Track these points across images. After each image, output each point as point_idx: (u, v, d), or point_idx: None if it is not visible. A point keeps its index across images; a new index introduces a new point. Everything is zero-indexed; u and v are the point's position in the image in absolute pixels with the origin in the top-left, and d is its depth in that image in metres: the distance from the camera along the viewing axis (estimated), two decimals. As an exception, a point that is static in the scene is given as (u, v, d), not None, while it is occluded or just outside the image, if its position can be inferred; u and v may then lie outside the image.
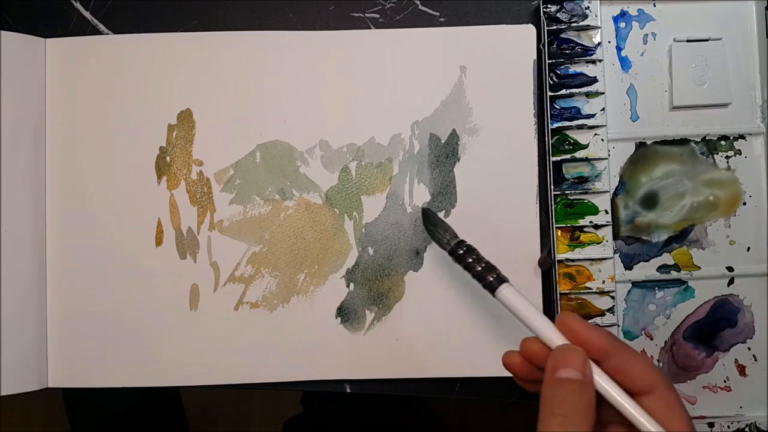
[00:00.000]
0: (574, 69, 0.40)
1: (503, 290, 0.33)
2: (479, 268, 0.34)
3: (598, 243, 0.40)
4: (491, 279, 0.33)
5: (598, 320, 0.40)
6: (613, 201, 0.41)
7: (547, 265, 0.41)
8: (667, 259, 0.41)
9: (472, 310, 0.41)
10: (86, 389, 0.41)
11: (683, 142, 0.41)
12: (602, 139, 0.40)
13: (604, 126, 0.40)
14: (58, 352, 0.41)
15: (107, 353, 0.41)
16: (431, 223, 0.38)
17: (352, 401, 0.71)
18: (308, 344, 0.41)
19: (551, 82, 0.40)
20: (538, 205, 0.41)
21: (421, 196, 0.41)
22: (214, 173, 0.42)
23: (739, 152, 0.41)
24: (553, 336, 0.29)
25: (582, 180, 0.40)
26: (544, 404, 0.25)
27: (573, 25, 0.40)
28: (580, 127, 0.40)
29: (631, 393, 0.27)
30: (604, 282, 0.40)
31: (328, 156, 0.42)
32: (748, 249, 0.41)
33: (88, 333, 0.41)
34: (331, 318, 0.41)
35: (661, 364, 0.41)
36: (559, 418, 0.25)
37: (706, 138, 0.41)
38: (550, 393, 0.26)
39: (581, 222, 0.40)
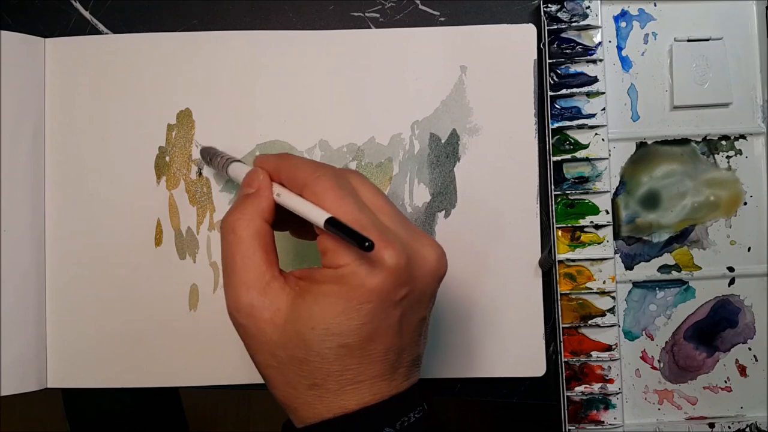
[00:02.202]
0: (574, 69, 0.40)
1: (233, 165, 0.36)
2: (223, 158, 0.37)
3: (599, 243, 0.40)
4: (226, 160, 0.37)
5: (598, 320, 0.40)
6: (613, 201, 0.41)
7: (548, 265, 0.40)
8: (667, 259, 0.41)
9: (473, 310, 0.41)
10: (85, 390, 0.41)
11: (684, 141, 0.41)
12: (603, 139, 0.40)
13: (605, 126, 0.40)
14: (57, 352, 0.41)
15: (106, 354, 0.41)
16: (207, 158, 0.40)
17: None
18: (308, 344, 0.41)
19: (552, 82, 0.40)
20: (538, 205, 0.41)
21: (421, 196, 0.41)
22: (214, 173, 0.42)
23: (739, 152, 0.41)
24: (240, 173, 0.34)
25: (582, 180, 0.40)
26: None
27: (573, 24, 0.40)
28: (580, 126, 0.40)
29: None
30: (604, 282, 0.40)
31: (328, 156, 0.41)
32: (749, 249, 0.41)
33: (87, 333, 0.41)
34: (331, 318, 0.41)
35: (662, 365, 0.41)
36: (237, 213, 0.30)
37: (707, 138, 0.41)
38: (237, 203, 0.31)
39: (582, 222, 0.40)
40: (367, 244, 0.26)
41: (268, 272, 0.29)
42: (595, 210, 0.40)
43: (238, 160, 0.37)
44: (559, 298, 0.40)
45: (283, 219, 0.32)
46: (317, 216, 0.28)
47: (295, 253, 0.41)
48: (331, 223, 0.27)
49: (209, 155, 0.39)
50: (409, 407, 0.30)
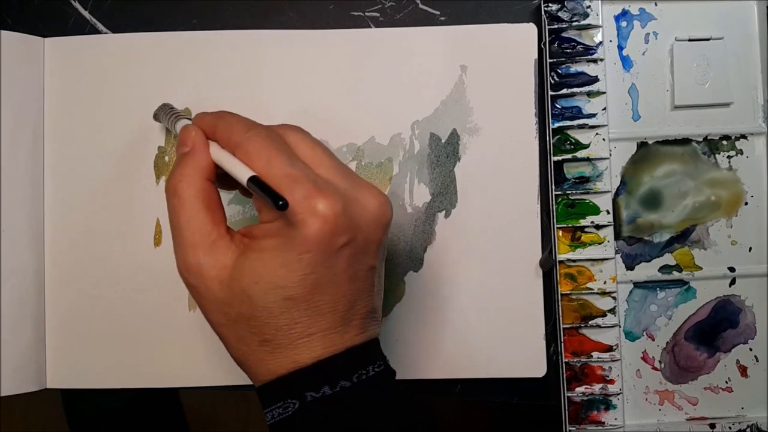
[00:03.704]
0: (575, 68, 0.40)
1: (179, 122, 0.35)
2: (174, 114, 0.37)
3: (600, 243, 0.40)
4: (174, 116, 0.36)
5: (599, 321, 0.40)
6: (614, 201, 0.41)
7: (548, 266, 0.40)
8: (668, 259, 0.41)
9: (473, 310, 0.41)
10: (85, 390, 0.41)
11: (685, 141, 0.41)
12: (603, 139, 0.40)
13: (606, 125, 0.40)
14: (56, 352, 0.41)
15: (106, 354, 0.41)
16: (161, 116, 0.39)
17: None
18: (308, 345, 0.41)
19: (552, 82, 0.40)
20: (539, 205, 0.41)
21: (421, 196, 0.41)
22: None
23: (740, 152, 0.41)
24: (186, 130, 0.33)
25: (583, 180, 0.40)
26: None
27: (574, 24, 0.40)
28: (581, 126, 0.40)
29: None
30: (605, 282, 0.40)
31: (328, 156, 0.41)
32: (750, 249, 0.41)
33: (86, 333, 0.41)
34: (331, 318, 0.41)
35: (662, 365, 0.41)
36: (177, 175, 0.30)
37: (708, 138, 0.41)
38: (175, 164, 0.31)
39: (582, 222, 0.40)
40: (281, 203, 0.26)
41: (213, 231, 0.30)
42: (595, 210, 0.40)
43: (188, 119, 0.36)
44: (559, 298, 0.40)
45: (230, 178, 0.32)
46: (241, 174, 0.28)
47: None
48: (253, 181, 0.28)
49: (162, 115, 0.38)
50: (366, 361, 0.30)
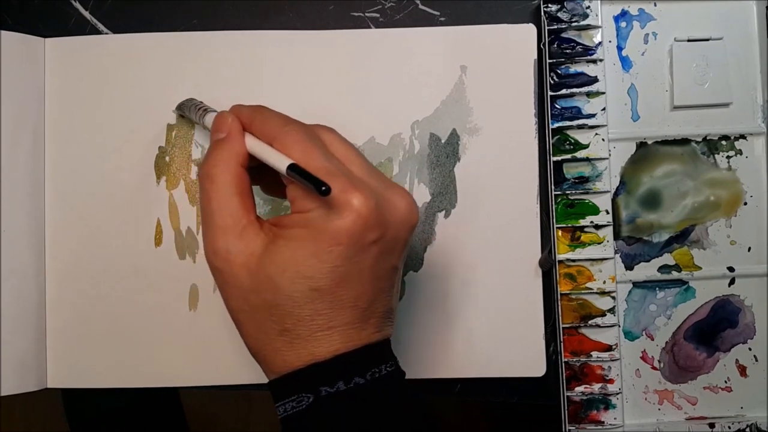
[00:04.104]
0: (574, 68, 0.40)
1: (209, 115, 0.35)
2: (200, 108, 0.37)
3: (599, 243, 0.40)
4: (203, 110, 0.36)
5: (599, 320, 0.40)
6: (613, 201, 0.41)
7: (548, 266, 0.40)
8: (668, 259, 0.41)
9: (473, 310, 0.41)
10: (85, 390, 0.41)
11: (684, 141, 0.41)
12: (603, 139, 0.40)
13: (605, 126, 0.40)
14: (57, 352, 0.41)
15: (106, 353, 0.41)
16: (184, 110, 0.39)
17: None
18: (308, 344, 0.41)
19: (552, 82, 0.40)
20: (538, 205, 0.41)
21: (421, 196, 0.41)
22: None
23: (740, 152, 0.41)
24: (210, 121, 0.34)
25: (583, 180, 0.40)
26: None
27: (574, 24, 0.40)
28: (580, 126, 0.40)
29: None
30: (604, 282, 0.40)
31: (328, 156, 0.41)
32: (749, 249, 0.41)
33: (87, 333, 0.41)
34: (331, 318, 0.41)
35: (662, 365, 0.41)
36: (212, 160, 0.31)
37: (707, 138, 0.41)
38: (210, 150, 0.31)
39: (582, 222, 0.40)
40: (324, 188, 0.26)
41: (244, 217, 0.30)
42: (595, 210, 0.40)
43: (215, 111, 0.36)
44: (559, 298, 0.40)
45: (255, 173, 0.32)
46: (281, 162, 0.29)
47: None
48: (293, 168, 0.28)
49: (187, 108, 0.39)
50: (380, 359, 0.30)
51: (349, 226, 0.28)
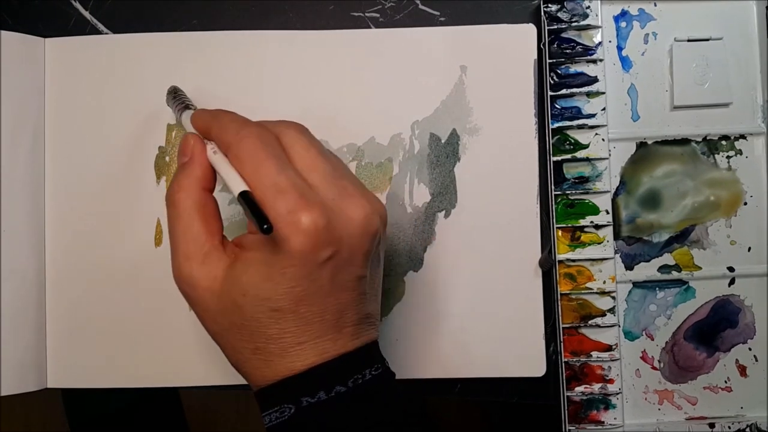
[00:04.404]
0: (574, 68, 0.40)
1: (185, 113, 0.35)
2: (182, 103, 0.36)
3: (599, 243, 0.40)
4: (183, 106, 0.36)
5: (599, 320, 0.40)
6: (613, 201, 0.41)
7: (548, 266, 0.40)
8: (668, 259, 0.41)
9: (473, 310, 0.41)
10: (85, 390, 0.41)
11: (684, 141, 0.41)
12: (603, 139, 0.40)
13: (605, 126, 0.40)
14: (57, 352, 0.41)
15: (107, 353, 0.41)
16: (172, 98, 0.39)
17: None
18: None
19: (552, 82, 0.40)
20: (538, 205, 0.41)
21: (421, 196, 0.41)
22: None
23: (740, 152, 0.41)
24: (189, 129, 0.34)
25: (583, 180, 0.40)
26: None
27: (573, 24, 0.40)
28: (580, 126, 0.40)
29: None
30: (604, 282, 0.40)
31: (328, 156, 0.41)
32: (749, 249, 0.41)
33: (87, 333, 0.41)
34: (331, 318, 0.41)
35: (662, 365, 0.41)
36: (175, 186, 0.31)
37: (707, 138, 0.41)
38: (175, 174, 0.31)
39: (582, 222, 0.40)
40: (265, 226, 0.26)
41: (207, 242, 0.30)
42: (595, 210, 0.40)
43: (194, 107, 0.36)
44: (559, 298, 0.40)
45: None
46: (234, 187, 0.28)
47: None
48: (243, 197, 0.28)
49: (170, 100, 0.38)
50: (362, 365, 0.30)
51: (298, 248, 0.27)
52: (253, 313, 0.29)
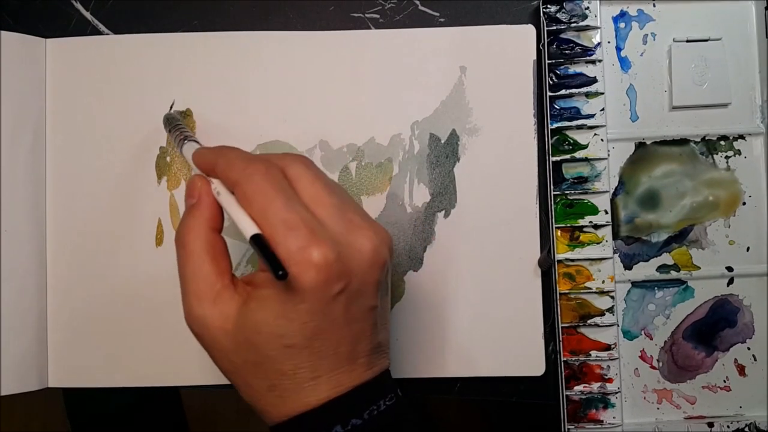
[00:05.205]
0: (573, 69, 0.40)
1: (186, 145, 0.35)
2: (180, 133, 0.36)
3: (598, 243, 0.40)
4: (183, 138, 0.36)
5: (597, 320, 0.40)
6: (612, 201, 0.41)
7: (547, 265, 0.41)
8: (666, 259, 0.41)
9: (472, 310, 0.41)
10: (86, 389, 0.41)
11: (683, 142, 0.41)
12: (602, 139, 0.40)
13: (604, 126, 0.40)
14: (58, 352, 0.41)
15: (107, 353, 0.41)
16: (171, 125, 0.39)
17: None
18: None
19: (551, 83, 0.40)
20: (537, 205, 0.41)
21: (421, 196, 0.42)
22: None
23: (738, 152, 0.41)
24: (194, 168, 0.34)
25: (582, 180, 0.40)
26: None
27: (573, 25, 0.40)
28: (579, 127, 0.40)
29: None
30: (603, 282, 0.40)
31: (328, 156, 0.42)
32: (748, 249, 0.41)
33: (88, 333, 0.41)
34: (331, 318, 0.41)
35: (660, 364, 0.41)
36: (183, 228, 0.31)
37: (706, 138, 0.41)
38: (183, 215, 0.32)
39: (581, 222, 0.40)
40: (281, 272, 0.26)
41: (218, 282, 0.30)
42: (594, 210, 0.40)
43: (194, 140, 0.36)
44: (558, 297, 0.40)
45: None
46: (245, 229, 0.28)
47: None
48: (255, 240, 0.28)
49: (170, 125, 0.38)
50: (376, 396, 0.30)
51: (310, 283, 0.27)
52: (267, 350, 0.29)
